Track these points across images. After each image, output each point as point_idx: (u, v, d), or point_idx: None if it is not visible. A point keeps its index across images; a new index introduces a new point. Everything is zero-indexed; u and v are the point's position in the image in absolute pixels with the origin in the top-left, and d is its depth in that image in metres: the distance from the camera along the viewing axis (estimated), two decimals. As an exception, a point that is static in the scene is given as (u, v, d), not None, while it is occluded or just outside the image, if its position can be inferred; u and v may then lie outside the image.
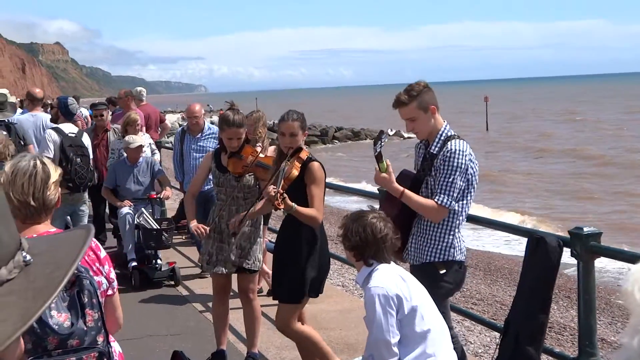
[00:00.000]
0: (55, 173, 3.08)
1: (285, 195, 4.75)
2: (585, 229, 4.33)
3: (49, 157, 3.54)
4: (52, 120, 9.48)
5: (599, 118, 59.21)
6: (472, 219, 5.93)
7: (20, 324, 1.21)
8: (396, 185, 4.43)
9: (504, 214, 18.86)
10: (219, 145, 6.02)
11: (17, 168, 3.00)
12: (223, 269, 5.75)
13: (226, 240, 5.72)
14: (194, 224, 5.75)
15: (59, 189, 3.14)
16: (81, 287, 2.77)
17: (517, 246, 14.00)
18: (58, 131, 8.34)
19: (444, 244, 4.44)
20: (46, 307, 1.22)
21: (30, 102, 10.00)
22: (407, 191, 4.40)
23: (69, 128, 8.52)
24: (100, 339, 2.82)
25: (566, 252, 4.54)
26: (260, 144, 6.43)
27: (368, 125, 50.66)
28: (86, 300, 2.77)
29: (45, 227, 3.09)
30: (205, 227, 5.71)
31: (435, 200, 4.34)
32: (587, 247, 4.27)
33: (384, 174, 4.43)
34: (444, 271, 4.44)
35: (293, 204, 4.82)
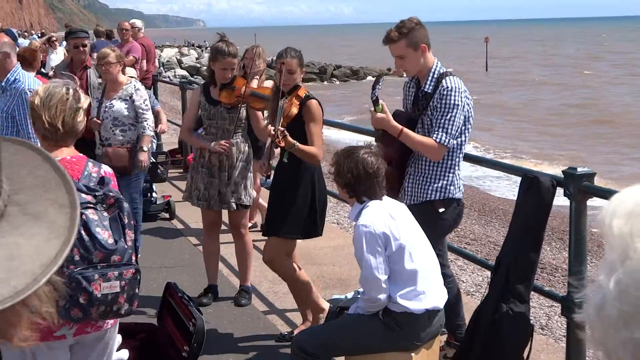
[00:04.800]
0: (85, 101, 3.26)
1: (286, 132, 4.72)
2: (579, 169, 4.31)
3: None
4: None
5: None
6: (466, 157, 5.92)
7: (67, 235, 1.07)
8: (394, 123, 4.38)
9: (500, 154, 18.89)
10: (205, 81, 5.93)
11: (51, 93, 3.17)
12: (216, 204, 5.73)
13: (216, 175, 5.69)
14: (212, 144, 5.61)
15: (85, 117, 3.33)
16: (121, 208, 3.07)
17: (513, 188, 14.05)
18: None
19: (444, 182, 4.45)
20: (78, 218, 1.09)
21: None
22: (405, 129, 4.36)
23: None
24: (133, 258, 3.13)
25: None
26: (257, 77, 6.36)
27: (366, 64, 50.20)
28: (126, 220, 3.07)
29: (71, 151, 3.26)
30: (228, 140, 5.62)
31: (434, 138, 4.31)
32: (580, 187, 4.25)
33: (381, 114, 4.39)
34: (442, 209, 4.47)
35: (295, 141, 4.78)
